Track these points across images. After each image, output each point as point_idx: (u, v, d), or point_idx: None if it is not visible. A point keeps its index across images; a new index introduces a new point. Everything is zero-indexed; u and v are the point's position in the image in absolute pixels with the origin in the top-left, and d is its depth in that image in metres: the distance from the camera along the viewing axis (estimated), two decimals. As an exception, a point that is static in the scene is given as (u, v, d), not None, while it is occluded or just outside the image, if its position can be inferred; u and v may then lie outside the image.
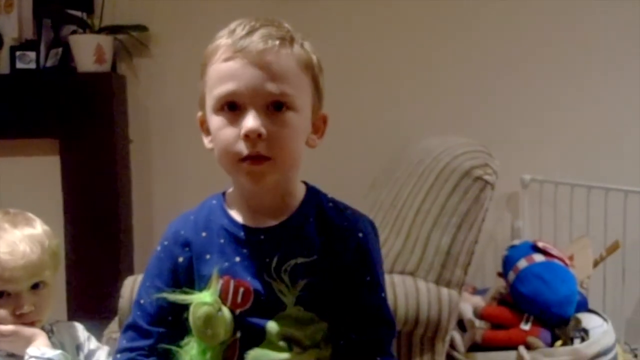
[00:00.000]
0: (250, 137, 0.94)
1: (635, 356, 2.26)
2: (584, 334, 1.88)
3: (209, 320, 0.99)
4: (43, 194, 2.49)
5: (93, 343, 1.28)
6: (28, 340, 1.16)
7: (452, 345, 1.87)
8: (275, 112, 0.96)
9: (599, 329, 1.89)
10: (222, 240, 1.03)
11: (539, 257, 1.97)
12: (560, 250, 2.05)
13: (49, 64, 2.55)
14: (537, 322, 1.88)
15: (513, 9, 2.56)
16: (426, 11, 2.57)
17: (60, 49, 2.54)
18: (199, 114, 1.05)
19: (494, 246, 2.54)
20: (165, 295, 1.03)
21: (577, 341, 1.86)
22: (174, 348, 1.04)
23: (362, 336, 1.02)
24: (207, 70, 1.00)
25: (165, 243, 1.08)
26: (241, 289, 1.00)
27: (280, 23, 1.01)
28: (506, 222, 2.60)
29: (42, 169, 2.56)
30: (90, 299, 2.37)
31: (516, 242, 2.17)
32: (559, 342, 1.86)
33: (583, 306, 1.98)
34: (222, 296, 1.01)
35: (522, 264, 1.96)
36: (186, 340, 1.04)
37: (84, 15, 2.54)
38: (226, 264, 1.01)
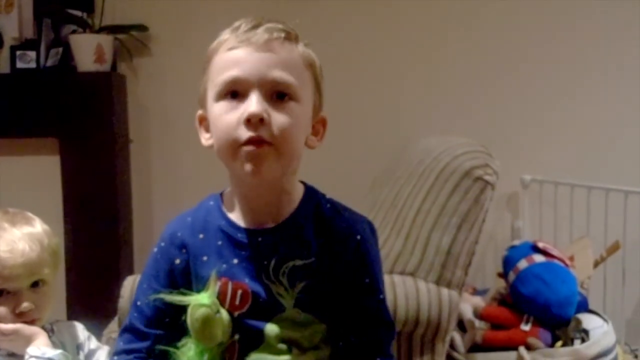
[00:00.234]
0: (252, 122, 0.93)
1: (636, 357, 2.26)
2: (584, 334, 1.88)
3: (207, 322, 0.99)
4: (43, 194, 2.49)
5: (93, 343, 1.28)
6: (28, 340, 1.15)
7: (452, 346, 1.87)
8: (278, 100, 0.96)
9: (599, 329, 1.89)
10: (219, 242, 1.03)
11: (539, 258, 1.97)
12: (561, 250, 2.04)
13: (49, 63, 2.55)
14: (537, 323, 1.88)
15: (513, 9, 2.56)
16: (426, 11, 2.57)
17: (60, 49, 2.54)
18: (199, 112, 1.05)
19: (494, 246, 2.54)
20: (162, 296, 1.02)
21: (577, 342, 1.86)
22: (171, 350, 1.03)
23: (361, 338, 1.01)
24: (210, 63, 1.00)
25: (162, 244, 1.07)
26: (239, 291, 1.00)
27: (285, 23, 1.01)
28: (506, 222, 2.60)
29: (42, 169, 2.57)
30: (90, 299, 2.37)
31: (516, 242, 2.17)
32: (559, 343, 1.86)
33: (583, 307, 1.98)
34: (221, 298, 1.01)
35: (523, 264, 1.96)
36: (184, 341, 1.03)
37: (84, 15, 2.54)
38: (224, 265, 1.01)
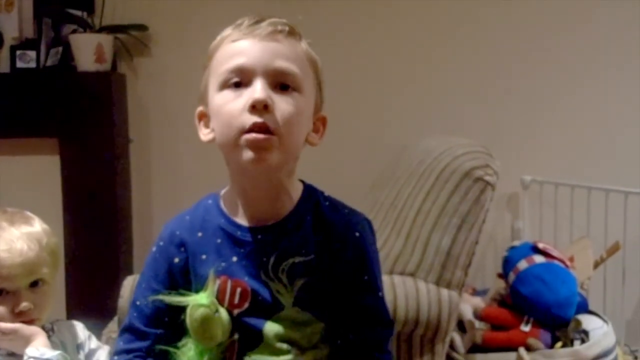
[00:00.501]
0: (257, 108, 0.92)
1: (636, 358, 2.26)
2: (584, 335, 1.88)
3: (206, 322, 0.99)
4: (43, 193, 2.49)
5: (93, 342, 1.28)
6: (27, 339, 1.15)
7: (452, 347, 1.87)
8: (282, 91, 0.96)
9: (599, 330, 1.89)
10: (218, 240, 1.02)
11: (539, 258, 1.97)
12: (561, 251, 2.04)
13: (49, 63, 2.54)
14: (537, 324, 1.88)
15: (513, 10, 2.56)
16: (426, 11, 2.57)
17: (60, 48, 2.54)
18: (199, 108, 1.04)
19: (494, 247, 2.54)
20: (161, 297, 1.02)
21: (577, 343, 1.86)
22: (171, 349, 1.03)
23: (360, 335, 1.01)
24: (213, 58, 0.99)
25: (161, 244, 1.07)
26: (238, 289, 1.00)
27: (287, 21, 1.01)
28: (506, 223, 2.60)
29: (42, 168, 2.56)
30: (90, 298, 2.37)
31: (516, 243, 2.17)
32: (559, 344, 1.86)
33: (583, 307, 1.98)
34: (220, 296, 1.01)
35: (523, 265, 1.96)
36: (183, 341, 1.03)
37: (85, 15, 2.53)
38: (223, 264, 1.01)
